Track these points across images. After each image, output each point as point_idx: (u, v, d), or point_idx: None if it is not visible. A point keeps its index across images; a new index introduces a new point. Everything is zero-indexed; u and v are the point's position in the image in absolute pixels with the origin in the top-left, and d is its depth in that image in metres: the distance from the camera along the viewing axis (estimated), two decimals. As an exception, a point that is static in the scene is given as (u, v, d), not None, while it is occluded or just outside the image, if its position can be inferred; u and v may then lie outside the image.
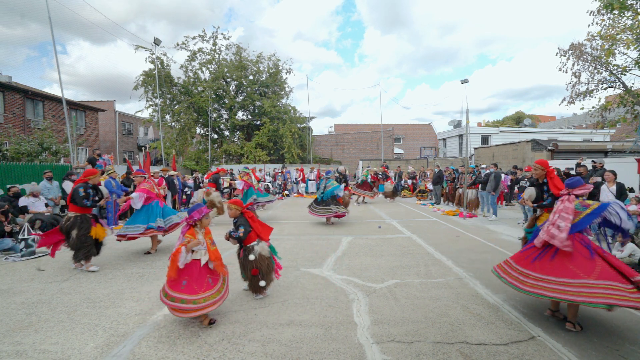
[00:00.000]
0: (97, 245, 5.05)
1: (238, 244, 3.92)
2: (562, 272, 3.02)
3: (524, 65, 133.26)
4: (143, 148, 12.68)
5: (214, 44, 22.45)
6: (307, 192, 17.32)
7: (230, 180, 12.07)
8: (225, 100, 23.11)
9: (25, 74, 49.91)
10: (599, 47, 12.55)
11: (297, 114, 24.60)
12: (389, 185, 14.09)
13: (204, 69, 22.93)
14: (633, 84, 12.46)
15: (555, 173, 3.92)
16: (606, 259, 3.01)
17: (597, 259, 3.01)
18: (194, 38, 22.13)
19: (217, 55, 22.94)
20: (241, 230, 3.73)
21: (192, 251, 3.14)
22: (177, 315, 3.05)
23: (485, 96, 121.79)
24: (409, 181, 16.13)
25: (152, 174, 10.32)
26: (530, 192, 4.02)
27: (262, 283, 3.77)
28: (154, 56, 19.61)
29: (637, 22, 10.83)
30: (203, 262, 3.17)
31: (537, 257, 3.29)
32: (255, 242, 3.82)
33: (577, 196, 3.33)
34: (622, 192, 6.59)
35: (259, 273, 3.73)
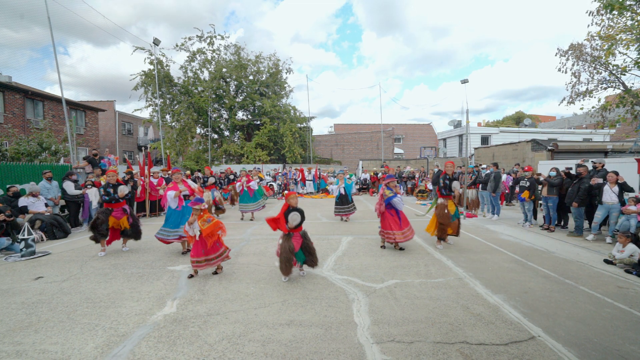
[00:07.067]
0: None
1: (285, 234, 4.44)
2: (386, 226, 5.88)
3: (519, 67, 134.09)
4: (143, 148, 12.66)
5: (211, 44, 22.42)
6: (306, 192, 17.34)
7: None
8: (225, 100, 23.11)
9: (28, 75, 49.80)
10: (598, 47, 12.55)
11: (297, 114, 24.60)
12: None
13: (203, 69, 22.93)
14: (633, 84, 12.46)
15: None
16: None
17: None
18: (190, 39, 22.12)
19: (216, 55, 22.94)
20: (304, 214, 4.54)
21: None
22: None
23: (482, 97, 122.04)
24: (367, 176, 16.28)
25: (151, 174, 10.35)
26: (458, 184, 6.20)
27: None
28: (152, 57, 19.63)
29: (636, 23, 10.82)
30: (192, 234, 4.48)
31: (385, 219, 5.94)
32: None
33: (387, 185, 5.92)
34: (624, 192, 6.62)
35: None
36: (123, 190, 5.96)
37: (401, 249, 6.03)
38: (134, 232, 6.10)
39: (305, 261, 4.49)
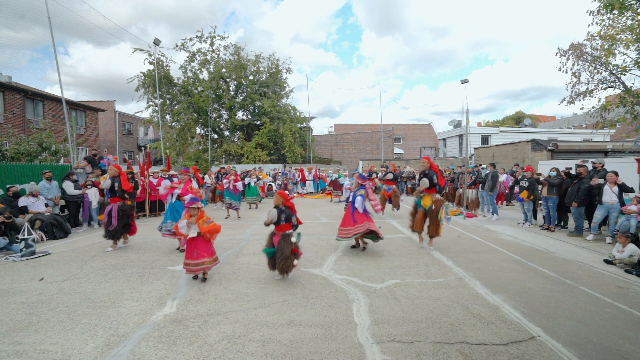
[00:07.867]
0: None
1: (272, 230, 4.52)
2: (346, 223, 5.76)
3: (519, 67, 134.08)
4: (143, 148, 12.66)
5: (212, 44, 22.42)
6: (306, 192, 17.33)
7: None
8: (225, 100, 23.11)
9: (28, 75, 49.77)
10: (598, 47, 12.53)
11: (297, 114, 24.59)
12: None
13: (202, 69, 22.92)
14: (633, 84, 12.44)
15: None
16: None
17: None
18: (191, 39, 22.10)
19: (215, 56, 22.93)
20: (294, 219, 4.46)
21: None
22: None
23: (482, 97, 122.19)
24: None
25: (151, 174, 10.36)
26: (425, 182, 5.82)
27: (296, 262, 4.38)
28: (152, 57, 19.61)
29: (637, 22, 10.81)
30: (191, 235, 4.25)
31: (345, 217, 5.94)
32: (292, 230, 4.43)
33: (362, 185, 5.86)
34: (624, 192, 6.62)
35: (296, 252, 4.35)
36: (102, 183, 6.27)
37: (356, 244, 6.19)
38: (107, 233, 6.11)
39: (273, 258, 4.35)
